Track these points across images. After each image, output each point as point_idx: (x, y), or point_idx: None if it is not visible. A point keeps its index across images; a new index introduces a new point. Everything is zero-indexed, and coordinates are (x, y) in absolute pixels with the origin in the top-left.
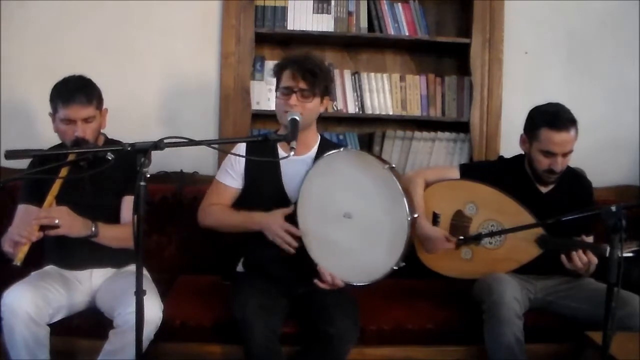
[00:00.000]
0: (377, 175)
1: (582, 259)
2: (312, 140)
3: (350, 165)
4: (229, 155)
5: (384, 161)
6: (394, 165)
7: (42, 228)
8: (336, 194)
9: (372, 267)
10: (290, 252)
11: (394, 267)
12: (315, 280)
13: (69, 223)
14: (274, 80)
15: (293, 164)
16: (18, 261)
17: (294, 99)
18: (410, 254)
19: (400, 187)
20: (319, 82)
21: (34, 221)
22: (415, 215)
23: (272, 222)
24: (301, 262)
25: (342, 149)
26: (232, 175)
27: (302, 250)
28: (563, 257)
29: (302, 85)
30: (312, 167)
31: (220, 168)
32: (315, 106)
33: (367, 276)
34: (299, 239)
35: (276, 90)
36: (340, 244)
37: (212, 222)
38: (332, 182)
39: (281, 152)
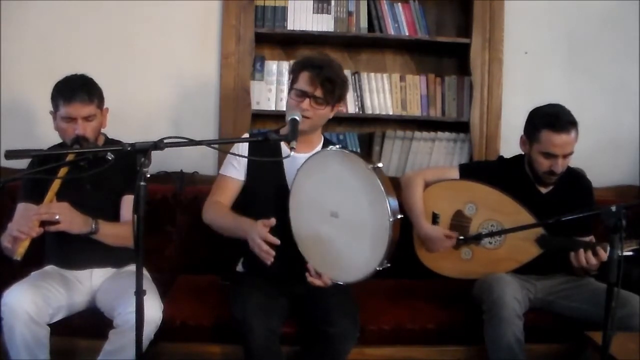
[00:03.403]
0: (362, 175)
1: (589, 259)
2: (316, 140)
3: (338, 164)
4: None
5: (370, 161)
6: (379, 165)
7: (43, 224)
8: (325, 192)
9: (357, 266)
10: (268, 260)
11: (378, 268)
12: (307, 274)
13: (70, 219)
14: (274, 80)
15: (296, 162)
16: (18, 256)
17: (306, 104)
18: (407, 255)
19: (382, 187)
20: (335, 91)
21: (34, 217)
22: (399, 217)
23: (253, 232)
24: (301, 262)
25: (329, 148)
26: (236, 167)
27: (297, 248)
28: (572, 254)
29: (318, 92)
30: (303, 164)
31: (224, 162)
32: (326, 113)
33: (352, 276)
34: (290, 241)
35: (290, 89)
36: (327, 242)
37: (208, 219)
38: (321, 180)
39: (285, 150)
